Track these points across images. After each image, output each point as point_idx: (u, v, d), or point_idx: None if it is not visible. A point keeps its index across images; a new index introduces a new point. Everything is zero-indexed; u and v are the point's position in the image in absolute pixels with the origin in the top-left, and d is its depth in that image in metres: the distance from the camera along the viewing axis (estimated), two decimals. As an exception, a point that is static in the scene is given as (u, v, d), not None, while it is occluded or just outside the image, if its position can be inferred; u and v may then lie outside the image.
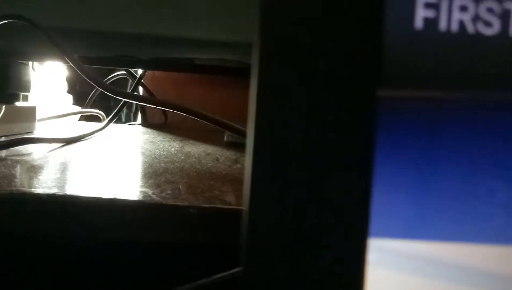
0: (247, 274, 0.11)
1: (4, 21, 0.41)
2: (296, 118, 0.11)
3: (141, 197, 0.22)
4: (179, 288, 0.17)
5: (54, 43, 0.41)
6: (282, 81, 0.11)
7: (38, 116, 0.48)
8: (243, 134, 0.38)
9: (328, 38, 0.11)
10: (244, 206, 0.11)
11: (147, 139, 0.50)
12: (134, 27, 0.58)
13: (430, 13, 0.11)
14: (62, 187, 0.23)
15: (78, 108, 0.72)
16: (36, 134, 0.46)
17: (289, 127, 0.11)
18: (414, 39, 0.10)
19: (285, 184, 0.11)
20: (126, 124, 0.77)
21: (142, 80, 0.63)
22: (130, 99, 0.53)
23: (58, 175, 0.26)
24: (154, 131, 0.60)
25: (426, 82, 0.10)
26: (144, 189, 0.24)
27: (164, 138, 0.52)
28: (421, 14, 0.11)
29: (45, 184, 0.23)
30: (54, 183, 0.24)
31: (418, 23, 0.11)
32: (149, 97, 0.64)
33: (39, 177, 0.25)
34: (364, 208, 0.10)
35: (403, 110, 0.11)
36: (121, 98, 0.51)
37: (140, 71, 0.65)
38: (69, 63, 0.42)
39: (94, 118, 0.70)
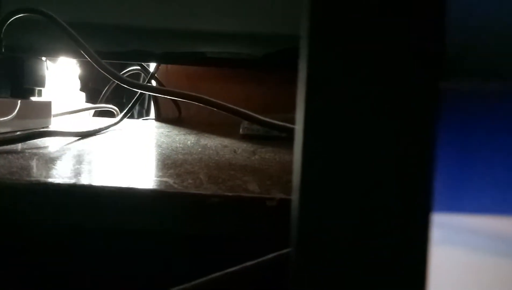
0: (297, 254, 0.10)
1: (20, 15, 0.41)
2: (347, 108, 0.10)
3: (162, 186, 0.22)
4: (230, 269, 0.17)
5: (71, 37, 0.41)
6: (332, 72, 0.10)
7: (53, 112, 0.48)
8: (264, 124, 0.37)
9: (382, 28, 0.10)
10: (294, 191, 0.11)
11: (162, 133, 0.49)
12: (148, 20, 0.57)
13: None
14: (82, 177, 0.23)
15: (91, 105, 0.72)
16: (52, 129, 0.46)
17: (339, 117, 0.10)
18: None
19: (336, 170, 0.10)
20: (140, 119, 0.77)
21: (155, 75, 0.63)
22: (148, 91, 0.53)
23: (77, 166, 0.26)
24: (168, 125, 0.60)
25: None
26: (165, 179, 0.23)
27: (179, 131, 0.51)
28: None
29: (65, 175, 0.23)
30: (73, 174, 0.23)
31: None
32: (167, 88, 0.63)
33: (58, 168, 0.25)
34: (427, 185, 0.10)
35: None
36: (139, 90, 0.50)
37: (152, 66, 0.65)
38: (85, 58, 0.42)
39: (108, 114, 0.70)
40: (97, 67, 0.41)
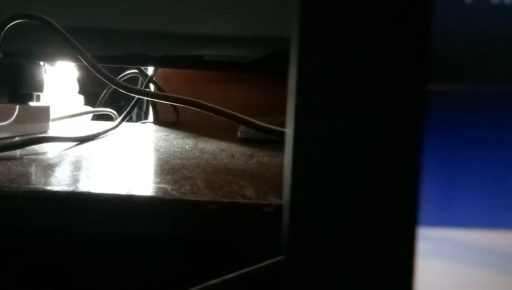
0: (288, 261, 0.10)
1: (17, 21, 0.41)
2: (337, 110, 0.10)
3: (160, 193, 0.22)
4: (227, 276, 0.17)
5: (68, 42, 0.41)
6: (323, 72, 0.10)
7: (51, 116, 0.48)
8: (260, 129, 0.38)
9: (373, 24, 0.10)
10: (285, 198, 0.11)
11: (161, 137, 0.49)
12: (146, 24, 0.58)
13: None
14: (80, 184, 0.23)
15: (90, 109, 0.72)
16: (50, 133, 0.46)
17: (330, 119, 0.10)
18: (464, 13, 0.10)
19: (326, 177, 0.10)
20: (138, 123, 0.77)
21: (153, 78, 0.63)
22: (145, 96, 0.53)
23: (75, 173, 0.26)
24: (166, 128, 0.60)
25: (476, 65, 0.10)
26: (162, 185, 0.23)
27: (177, 135, 0.52)
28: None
29: (63, 182, 0.23)
30: (71, 181, 0.23)
31: None
32: (164, 93, 0.64)
33: (56, 175, 0.25)
34: (414, 196, 0.10)
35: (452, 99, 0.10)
36: (136, 95, 0.51)
37: (150, 70, 0.65)
38: (82, 62, 0.42)
39: (106, 118, 0.70)
40: (94, 72, 0.42)
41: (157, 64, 0.60)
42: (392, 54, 0.10)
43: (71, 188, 0.22)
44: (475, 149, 0.10)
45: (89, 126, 0.56)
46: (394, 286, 0.10)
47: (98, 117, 0.73)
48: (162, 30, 0.58)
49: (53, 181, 0.23)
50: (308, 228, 0.11)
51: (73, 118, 0.62)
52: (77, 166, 0.29)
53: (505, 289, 0.10)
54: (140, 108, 1.11)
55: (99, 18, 0.57)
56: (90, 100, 0.88)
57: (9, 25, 0.41)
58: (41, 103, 0.47)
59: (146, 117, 1.07)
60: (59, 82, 0.80)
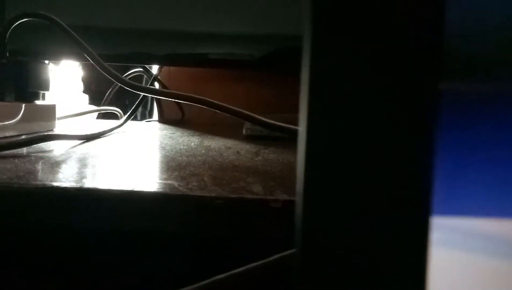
0: (302, 255, 0.10)
1: (23, 20, 0.41)
2: (350, 107, 0.10)
3: (167, 189, 0.22)
4: (234, 271, 0.17)
5: (74, 40, 0.41)
6: (336, 69, 0.10)
7: (57, 115, 0.49)
8: (267, 126, 0.38)
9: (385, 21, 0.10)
10: (298, 193, 0.11)
11: (166, 135, 0.49)
12: (151, 23, 0.58)
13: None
14: (88, 181, 0.23)
15: (94, 108, 0.72)
16: (56, 132, 0.46)
17: (343, 116, 0.10)
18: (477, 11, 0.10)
19: (339, 172, 0.10)
20: (143, 121, 0.77)
21: (158, 76, 0.63)
22: (151, 94, 0.53)
23: (83, 169, 0.26)
24: (171, 127, 0.60)
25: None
26: (170, 181, 0.24)
27: (182, 133, 0.52)
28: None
29: (71, 178, 0.23)
30: (79, 177, 0.24)
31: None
32: (169, 90, 0.64)
33: (63, 172, 0.25)
34: (427, 185, 0.10)
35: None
36: (142, 93, 0.51)
37: (155, 69, 0.65)
38: (88, 61, 0.42)
39: (111, 116, 0.71)
40: (100, 70, 0.42)
41: (162, 62, 0.60)
42: (406, 51, 0.10)
43: (78, 185, 0.22)
44: (485, 140, 0.10)
45: (95, 125, 0.56)
46: (409, 276, 0.10)
47: (103, 115, 0.73)
48: (167, 28, 0.58)
49: (60, 177, 0.24)
50: (321, 222, 0.11)
51: (79, 117, 0.62)
52: (83, 163, 0.29)
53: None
54: (145, 107, 1.11)
55: (105, 16, 0.57)
56: (95, 99, 0.89)
57: (15, 24, 0.41)
58: (48, 101, 0.48)
59: (150, 116, 1.08)
60: (64, 81, 0.81)
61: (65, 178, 0.23)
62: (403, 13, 0.10)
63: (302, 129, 0.11)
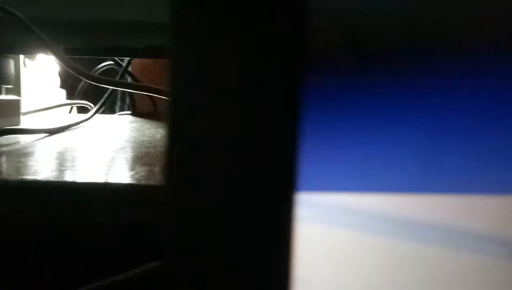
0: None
1: (-21, 13, 0.40)
2: (208, 92, 0.10)
3: (113, 179, 0.22)
4: (98, 283, 0.17)
5: (37, 35, 0.41)
6: (195, 54, 0.10)
7: (24, 110, 0.48)
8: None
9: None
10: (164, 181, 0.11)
11: (134, 127, 0.49)
12: (123, 14, 0.57)
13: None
14: (41, 174, 0.23)
15: (68, 102, 0.71)
16: (21, 126, 0.46)
17: (197, 99, 0.10)
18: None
19: (201, 171, 0.10)
20: (115, 115, 0.76)
21: (128, 69, 0.63)
22: (119, 87, 0.53)
23: (40, 163, 0.26)
24: (142, 119, 0.60)
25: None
26: (122, 172, 0.24)
27: (151, 125, 0.51)
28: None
29: (30, 171, 0.23)
30: (35, 170, 0.24)
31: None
32: (138, 83, 0.63)
33: (23, 165, 0.25)
34: (291, 160, 0.10)
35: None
36: (109, 87, 0.50)
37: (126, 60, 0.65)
38: (51, 54, 0.41)
39: (87, 110, 0.70)
40: (64, 65, 0.41)
41: (133, 54, 0.60)
42: (270, 34, 0.10)
43: (36, 177, 0.22)
44: (351, 114, 0.10)
45: (64, 119, 0.56)
46: (272, 253, 0.10)
47: (81, 110, 0.72)
48: (140, 19, 0.57)
49: (22, 171, 0.23)
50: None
51: (50, 111, 0.61)
52: (40, 157, 0.29)
53: (385, 252, 0.10)
54: (123, 100, 1.10)
55: (74, 8, 0.56)
56: (72, 94, 0.87)
57: (-27, 18, 0.41)
58: (12, 96, 0.47)
59: (129, 110, 1.07)
60: (40, 76, 0.79)
61: (25, 172, 0.23)
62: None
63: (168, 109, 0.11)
